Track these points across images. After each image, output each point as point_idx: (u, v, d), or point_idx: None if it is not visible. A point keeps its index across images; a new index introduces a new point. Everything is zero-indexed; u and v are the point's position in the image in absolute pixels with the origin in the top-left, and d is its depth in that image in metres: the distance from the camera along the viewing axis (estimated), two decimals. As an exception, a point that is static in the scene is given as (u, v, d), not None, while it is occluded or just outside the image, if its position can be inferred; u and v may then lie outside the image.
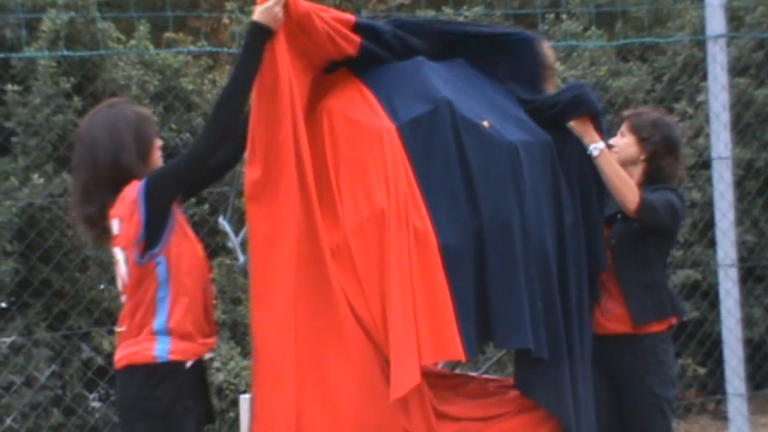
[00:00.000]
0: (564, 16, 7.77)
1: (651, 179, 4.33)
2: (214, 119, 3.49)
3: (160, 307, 3.44)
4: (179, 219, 3.51)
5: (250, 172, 3.45)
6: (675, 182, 4.42)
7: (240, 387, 5.97)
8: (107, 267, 6.02)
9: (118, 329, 3.57)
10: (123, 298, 3.55)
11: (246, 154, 3.51)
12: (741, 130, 7.32)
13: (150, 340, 3.45)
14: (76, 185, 3.59)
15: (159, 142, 3.61)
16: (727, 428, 6.58)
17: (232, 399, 5.93)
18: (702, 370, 7.14)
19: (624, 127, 4.39)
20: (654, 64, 7.95)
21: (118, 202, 3.47)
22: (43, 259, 5.94)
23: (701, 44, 6.96)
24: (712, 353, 6.97)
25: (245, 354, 6.28)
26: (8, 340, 5.90)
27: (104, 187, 3.49)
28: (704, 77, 6.74)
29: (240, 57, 3.52)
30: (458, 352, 3.44)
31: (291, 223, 3.44)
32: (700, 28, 6.96)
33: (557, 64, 7.59)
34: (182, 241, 3.48)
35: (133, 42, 6.50)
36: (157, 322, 3.44)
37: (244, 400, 3.74)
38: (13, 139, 6.03)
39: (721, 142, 6.53)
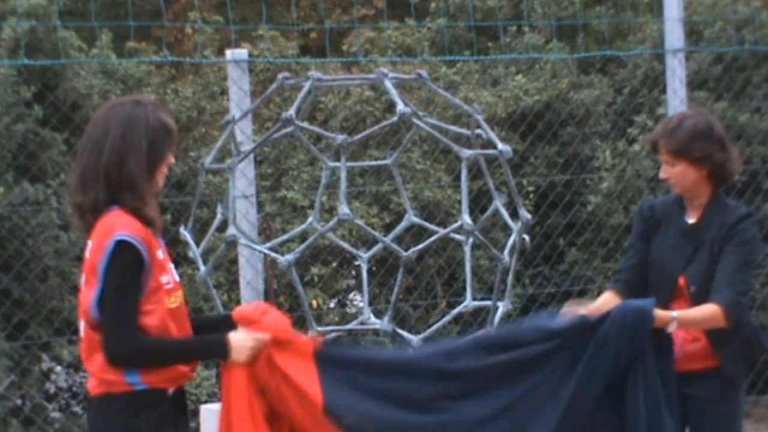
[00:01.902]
0: (526, 29, 7.83)
1: (718, 184, 4.11)
2: (133, 347, 3.21)
3: None
4: (152, 283, 3.27)
5: None
6: (738, 171, 4.22)
7: (201, 397, 5.96)
8: (68, 277, 5.99)
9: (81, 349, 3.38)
10: (80, 324, 3.35)
11: None
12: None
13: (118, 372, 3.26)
14: (75, 169, 3.40)
15: (172, 160, 3.39)
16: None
17: (193, 410, 5.91)
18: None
19: (666, 156, 4.06)
20: (615, 76, 8.02)
21: (98, 225, 3.28)
22: (3, 268, 5.90)
23: (661, 58, 7.04)
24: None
25: (206, 364, 6.27)
26: (-34, 350, 5.86)
27: (102, 182, 3.29)
28: (664, 90, 6.81)
29: (192, 347, 3.34)
30: None
31: None
32: (660, 41, 7.04)
33: (519, 76, 7.66)
34: (153, 308, 3.26)
35: (95, 51, 6.48)
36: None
37: (205, 410, 3.74)
38: (-27, 148, 5.99)
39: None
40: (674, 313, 3.85)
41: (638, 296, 4.04)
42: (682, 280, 4.05)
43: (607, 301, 4.07)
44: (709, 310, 3.93)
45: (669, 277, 4.07)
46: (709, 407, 4.07)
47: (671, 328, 3.82)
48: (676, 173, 4.06)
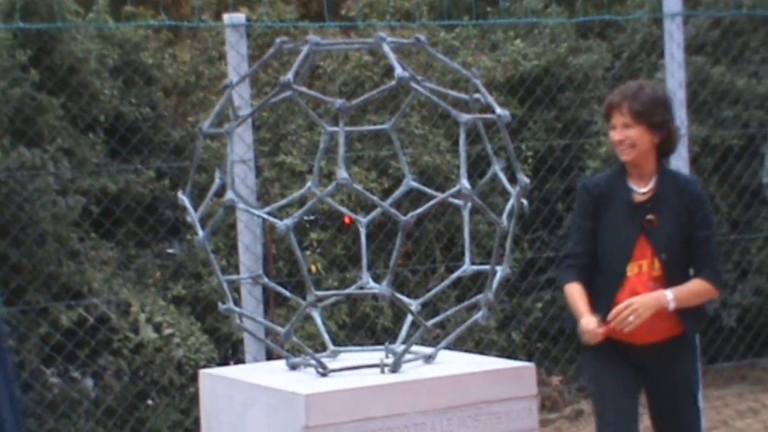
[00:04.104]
0: (524, -7, 7.81)
1: (662, 155, 4.26)
2: None
3: None
4: None
5: None
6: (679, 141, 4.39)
7: (200, 362, 5.98)
8: (65, 242, 6.00)
9: None
10: None
11: None
12: (697, 108, 7.39)
13: None
14: None
15: None
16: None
17: (192, 374, 5.94)
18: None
19: (625, 117, 4.15)
20: (613, 41, 8.02)
21: None
22: (0, 233, 5.90)
23: (659, 22, 7.02)
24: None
25: (205, 329, 6.29)
26: (-35, 315, 5.87)
27: None
28: (662, 55, 6.80)
29: None
30: None
31: None
32: (658, 6, 7.01)
33: (517, 41, 7.64)
34: None
35: (91, 15, 6.45)
36: None
37: (204, 375, 3.75)
38: (-30, 113, 5.97)
39: (677, 120, 6.59)
40: (669, 295, 4.05)
41: (591, 278, 4.22)
42: (647, 249, 4.14)
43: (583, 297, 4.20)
44: (701, 286, 4.16)
45: (624, 250, 4.16)
46: (676, 369, 4.26)
47: (671, 307, 4.05)
48: (632, 135, 4.14)
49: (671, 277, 4.15)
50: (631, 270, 4.16)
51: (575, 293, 4.21)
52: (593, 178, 4.61)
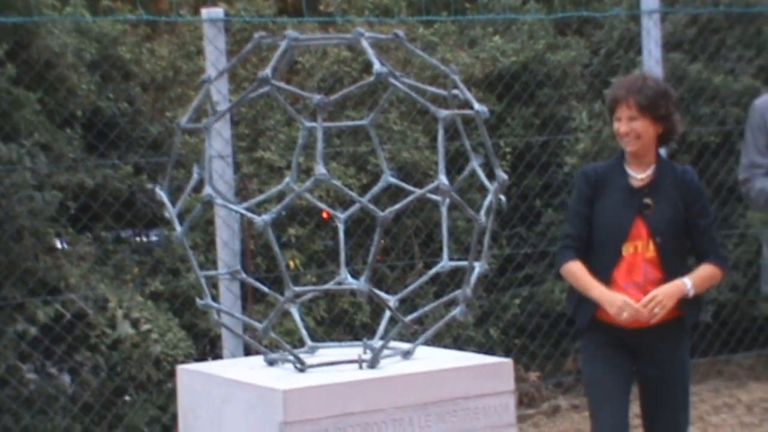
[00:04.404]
0: (503, -11, 7.81)
1: (661, 144, 4.41)
2: None
3: None
4: None
5: None
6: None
7: (178, 358, 5.97)
8: (42, 237, 5.97)
9: None
10: None
11: None
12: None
13: None
14: None
15: None
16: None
17: (169, 370, 5.93)
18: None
19: (631, 110, 4.27)
20: (591, 38, 8.03)
21: None
22: (-23, 228, 5.87)
23: (637, 19, 7.05)
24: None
25: (183, 325, 6.28)
26: (-59, 310, 5.83)
27: None
28: (640, 51, 6.83)
29: None
30: None
31: None
32: (636, 3, 7.04)
33: (496, 37, 7.65)
34: None
35: (68, 9, 6.42)
36: None
37: (182, 371, 3.75)
38: (-54, 107, 5.93)
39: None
40: (689, 283, 4.22)
41: (587, 260, 4.33)
42: (643, 230, 4.26)
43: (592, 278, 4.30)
44: (711, 270, 4.32)
45: (620, 230, 4.28)
46: (672, 352, 4.36)
47: (690, 294, 4.23)
48: (638, 127, 4.27)
49: (664, 260, 4.26)
50: (627, 250, 4.27)
51: (581, 271, 4.32)
52: (592, 165, 4.74)
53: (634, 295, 4.22)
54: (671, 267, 4.27)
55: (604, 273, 4.27)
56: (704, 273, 4.31)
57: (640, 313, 4.17)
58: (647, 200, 4.30)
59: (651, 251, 4.27)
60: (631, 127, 4.29)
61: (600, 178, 4.37)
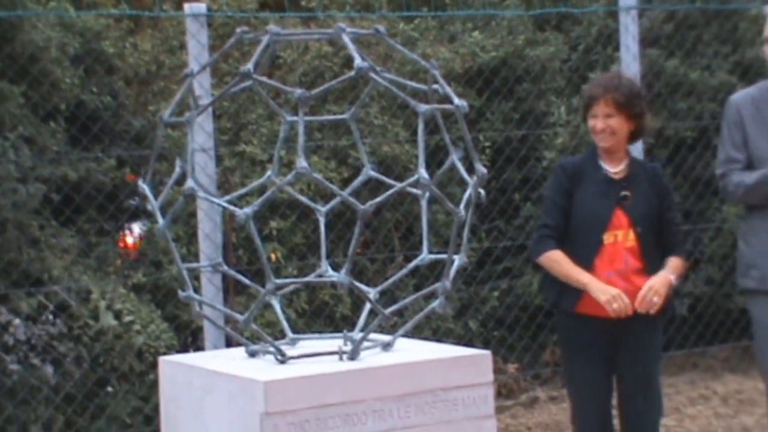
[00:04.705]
0: (483, -15, 7.86)
1: (631, 141, 4.58)
2: None
3: None
4: None
5: None
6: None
7: (160, 349, 6.00)
8: (26, 229, 6.00)
9: None
10: None
11: None
12: (651, 100, 7.49)
13: None
14: None
15: None
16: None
17: (152, 361, 5.97)
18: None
19: (609, 107, 4.43)
20: (570, 34, 8.08)
21: None
22: (-40, 221, 5.89)
23: (615, 15, 7.11)
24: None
25: (165, 317, 6.31)
26: (-76, 302, 5.85)
27: None
28: (617, 47, 6.89)
29: None
30: None
31: None
32: (614, -1, 7.12)
33: (475, 33, 7.70)
34: None
35: (52, 3, 6.43)
36: None
37: (164, 362, 3.78)
38: (-71, 100, 5.94)
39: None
40: (672, 275, 4.43)
41: (565, 249, 4.47)
42: (623, 220, 4.41)
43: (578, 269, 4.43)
44: (680, 262, 4.55)
45: (601, 219, 4.42)
46: (650, 336, 4.57)
47: (674, 284, 4.44)
48: (613, 124, 4.43)
49: (644, 249, 4.42)
50: (608, 239, 4.40)
51: (564, 259, 4.43)
52: (569, 158, 4.87)
53: (616, 282, 4.33)
54: (650, 256, 4.43)
55: (584, 261, 4.38)
56: (677, 264, 4.51)
57: (628, 308, 4.29)
58: (625, 192, 4.44)
59: (631, 240, 4.41)
60: (607, 123, 4.43)
61: (577, 171, 4.50)
